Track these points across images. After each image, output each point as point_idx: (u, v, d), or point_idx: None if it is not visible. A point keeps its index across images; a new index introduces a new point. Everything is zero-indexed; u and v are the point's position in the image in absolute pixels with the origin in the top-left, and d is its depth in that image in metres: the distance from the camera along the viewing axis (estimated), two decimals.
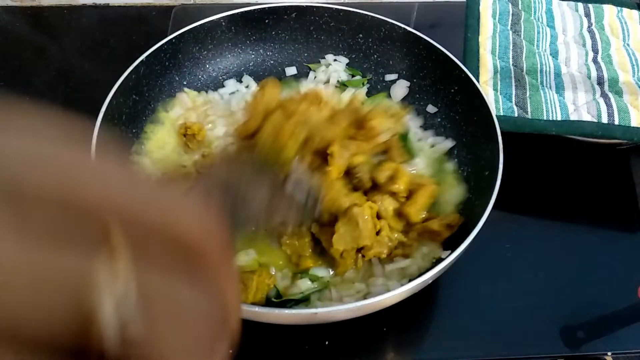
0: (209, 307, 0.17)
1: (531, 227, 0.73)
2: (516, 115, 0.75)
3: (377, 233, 0.63)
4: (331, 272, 0.62)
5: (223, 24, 0.80)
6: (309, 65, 0.85)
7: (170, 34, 0.76)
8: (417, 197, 0.65)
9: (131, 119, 0.73)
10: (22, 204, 0.15)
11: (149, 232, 0.16)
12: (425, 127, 0.77)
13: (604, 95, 0.77)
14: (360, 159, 0.64)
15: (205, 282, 0.17)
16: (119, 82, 0.69)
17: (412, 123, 0.77)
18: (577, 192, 0.76)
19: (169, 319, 0.16)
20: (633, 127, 0.73)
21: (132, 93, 0.72)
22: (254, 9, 0.80)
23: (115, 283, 0.14)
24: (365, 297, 0.59)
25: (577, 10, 0.90)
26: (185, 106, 0.77)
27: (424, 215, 0.65)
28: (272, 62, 0.85)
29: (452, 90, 0.76)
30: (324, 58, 0.85)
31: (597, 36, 0.86)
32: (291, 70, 0.84)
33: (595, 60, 0.83)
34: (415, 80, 0.81)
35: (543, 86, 0.78)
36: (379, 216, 0.64)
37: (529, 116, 0.75)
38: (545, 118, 0.74)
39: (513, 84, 0.78)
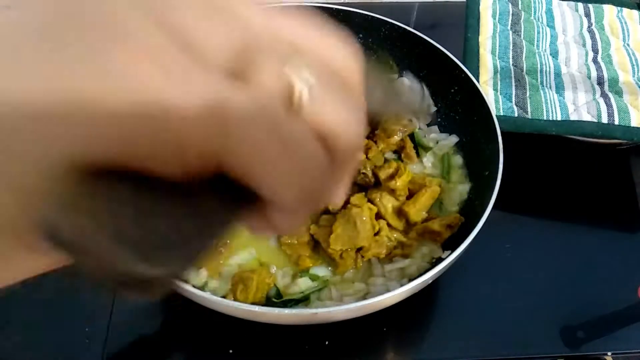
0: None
1: (531, 227, 0.73)
2: (516, 115, 0.75)
3: (377, 233, 0.63)
4: (330, 271, 0.62)
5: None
6: None
7: None
8: (418, 197, 0.65)
9: None
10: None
11: (316, 62, 0.20)
12: (427, 124, 0.77)
13: (604, 95, 0.77)
14: (364, 156, 0.65)
15: (352, 102, 0.21)
16: None
17: (416, 121, 0.77)
18: (577, 192, 0.76)
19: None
20: (633, 127, 0.73)
21: None
22: None
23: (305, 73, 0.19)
24: (365, 297, 0.59)
25: (577, 10, 0.90)
26: None
27: (424, 216, 0.65)
28: None
29: (452, 90, 0.76)
30: None
31: (597, 36, 0.86)
32: None
33: (595, 60, 0.83)
34: (415, 80, 0.81)
35: (543, 86, 0.78)
36: (378, 217, 0.64)
37: (529, 116, 0.75)
38: (545, 118, 0.74)
39: (513, 84, 0.78)
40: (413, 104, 0.54)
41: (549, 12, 0.90)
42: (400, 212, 0.65)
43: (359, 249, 0.61)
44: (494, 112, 0.67)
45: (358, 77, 0.22)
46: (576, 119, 0.74)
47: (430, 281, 0.55)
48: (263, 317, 0.54)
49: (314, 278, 0.62)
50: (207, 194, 0.19)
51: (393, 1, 1.03)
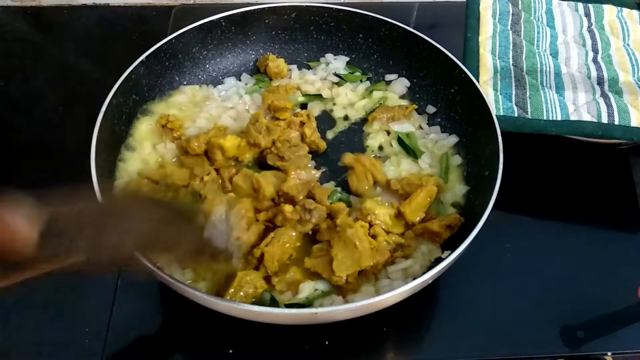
0: None
1: (531, 227, 0.73)
2: (516, 115, 0.75)
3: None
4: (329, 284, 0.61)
5: (223, 24, 0.80)
6: (309, 63, 0.85)
7: (170, 34, 0.76)
8: (414, 197, 0.65)
9: (131, 119, 0.73)
10: None
11: None
12: (428, 124, 0.78)
13: (604, 95, 0.77)
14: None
15: None
16: (119, 82, 0.69)
17: (416, 121, 0.77)
18: (577, 192, 0.76)
19: None
20: (633, 127, 0.73)
21: (132, 93, 0.72)
22: (254, 9, 0.80)
23: None
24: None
25: (577, 10, 0.90)
26: (186, 96, 0.78)
27: (422, 216, 0.65)
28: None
29: (452, 90, 0.76)
30: (324, 57, 0.85)
31: (597, 36, 0.86)
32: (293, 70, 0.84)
33: (595, 60, 0.83)
34: (415, 80, 0.81)
35: (543, 86, 0.78)
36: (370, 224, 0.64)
37: (529, 116, 0.75)
38: (545, 118, 0.74)
39: (513, 84, 0.78)
40: (219, 249, 0.57)
41: (549, 12, 0.90)
42: (399, 215, 0.65)
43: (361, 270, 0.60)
44: (494, 112, 0.67)
45: None
46: (576, 119, 0.74)
47: (430, 281, 0.55)
48: (263, 317, 0.54)
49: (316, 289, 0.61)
50: None
51: (393, 1, 1.03)
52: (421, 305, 0.65)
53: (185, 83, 0.80)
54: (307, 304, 0.59)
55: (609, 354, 0.62)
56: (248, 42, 0.84)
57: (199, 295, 0.52)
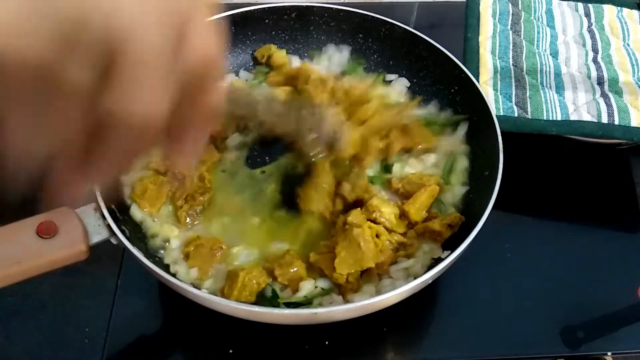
0: None
1: (531, 227, 0.73)
2: (516, 115, 0.75)
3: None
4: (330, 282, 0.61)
5: (223, 23, 0.79)
6: (312, 53, 0.85)
7: None
8: (417, 197, 0.65)
9: None
10: None
11: None
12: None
13: (604, 95, 0.77)
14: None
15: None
16: None
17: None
18: (577, 192, 0.76)
19: None
20: (633, 127, 0.73)
21: None
22: (254, 9, 0.80)
23: None
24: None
25: (577, 10, 0.90)
26: None
27: (424, 215, 0.65)
28: None
29: (452, 90, 0.76)
30: (326, 46, 0.84)
31: (597, 36, 0.86)
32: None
33: (595, 60, 0.83)
34: (415, 80, 0.81)
35: (543, 86, 0.78)
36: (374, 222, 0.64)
37: (529, 116, 0.75)
38: (545, 118, 0.74)
39: (513, 84, 0.78)
40: (327, 136, 0.59)
41: (549, 12, 0.90)
42: (401, 215, 0.65)
43: (363, 271, 0.60)
44: (494, 112, 0.67)
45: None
46: (576, 119, 0.74)
47: (430, 281, 0.55)
48: (263, 317, 0.54)
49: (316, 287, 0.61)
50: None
51: (393, 1, 1.03)
52: (421, 305, 0.65)
53: None
54: (306, 302, 0.59)
55: (609, 354, 0.62)
56: (248, 42, 0.84)
57: (200, 295, 0.52)
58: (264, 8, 0.80)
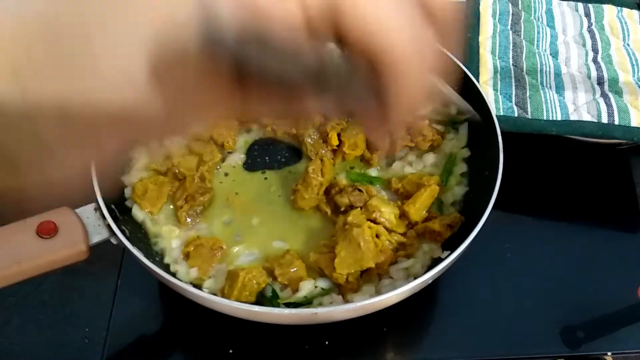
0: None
1: (531, 227, 0.73)
2: (516, 115, 0.75)
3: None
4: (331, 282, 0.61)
5: None
6: None
7: None
8: (417, 197, 0.65)
9: None
10: None
11: None
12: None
13: (604, 95, 0.77)
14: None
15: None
16: None
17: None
18: (577, 192, 0.76)
19: None
20: (633, 127, 0.73)
21: None
22: None
23: None
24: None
25: (577, 10, 0.90)
26: None
27: (424, 215, 0.65)
28: None
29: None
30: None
31: (597, 36, 0.86)
32: None
33: (595, 60, 0.83)
34: None
35: (543, 86, 0.78)
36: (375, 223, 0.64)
37: (529, 116, 0.75)
38: (545, 118, 0.74)
39: (513, 84, 0.78)
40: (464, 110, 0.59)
41: (549, 12, 0.90)
42: (402, 215, 0.65)
43: (363, 271, 0.60)
44: (494, 112, 0.67)
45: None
46: (576, 119, 0.74)
47: (430, 281, 0.55)
48: (263, 317, 0.54)
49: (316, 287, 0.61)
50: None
51: None
52: (421, 305, 0.65)
53: None
54: (306, 302, 0.59)
55: (609, 354, 0.62)
56: None
57: (200, 295, 0.52)
58: None
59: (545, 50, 0.84)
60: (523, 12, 0.89)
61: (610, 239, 0.72)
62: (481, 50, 0.83)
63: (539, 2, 0.91)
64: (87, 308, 0.64)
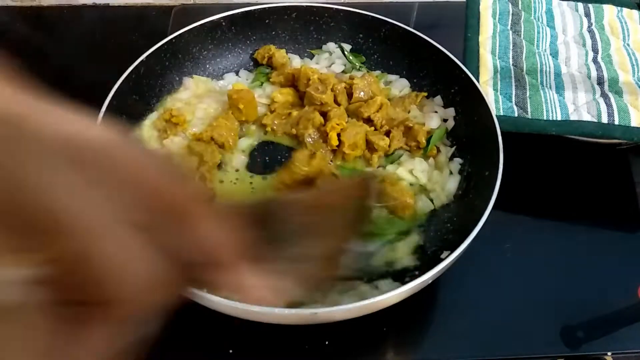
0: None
1: (531, 227, 0.73)
2: (516, 115, 0.75)
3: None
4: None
5: (223, 24, 0.80)
6: (312, 51, 0.85)
7: (170, 34, 0.76)
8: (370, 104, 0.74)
9: (132, 120, 0.73)
10: None
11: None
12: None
13: (604, 95, 0.77)
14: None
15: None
16: (119, 82, 0.69)
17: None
18: (577, 192, 0.76)
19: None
20: (633, 127, 0.73)
21: (133, 93, 0.72)
22: (254, 9, 0.80)
23: None
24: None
25: (577, 10, 0.90)
26: (190, 91, 0.78)
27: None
28: None
29: (452, 90, 0.76)
30: (326, 45, 0.84)
31: (597, 36, 0.86)
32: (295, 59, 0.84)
33: (595, 60, 0.83)
34: (415, 81, 0.81)
35: (543, 86, 0.78)
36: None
37: (529, 116, 0.75)
38: (545, 118, 0.74)
39: (513, 84, 0.78)
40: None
41: (549, 12, 0.90)
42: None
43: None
44: (494, 112, 0.67)
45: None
46: (576, 119, 0.74)
47: (430, 281, 0.55)
48: (263, 317, 0.54)
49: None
50: None
51: (393, 1, 1.03)
52: (421, 305, 0.65)
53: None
54: (306, 302, 0.59)
55: (609, 354, 0.62)
56: (248, 42, 0.84)
57: (199, 295, 0.52)
58: (264, 8, 0.80)
59: (545, 50, 0.84)
60: (523, 12, 0.89)
61: (610, 239, 0.72)
62: (481, 50, 0.83)
63: (539, 2, 0.91)
64: None
